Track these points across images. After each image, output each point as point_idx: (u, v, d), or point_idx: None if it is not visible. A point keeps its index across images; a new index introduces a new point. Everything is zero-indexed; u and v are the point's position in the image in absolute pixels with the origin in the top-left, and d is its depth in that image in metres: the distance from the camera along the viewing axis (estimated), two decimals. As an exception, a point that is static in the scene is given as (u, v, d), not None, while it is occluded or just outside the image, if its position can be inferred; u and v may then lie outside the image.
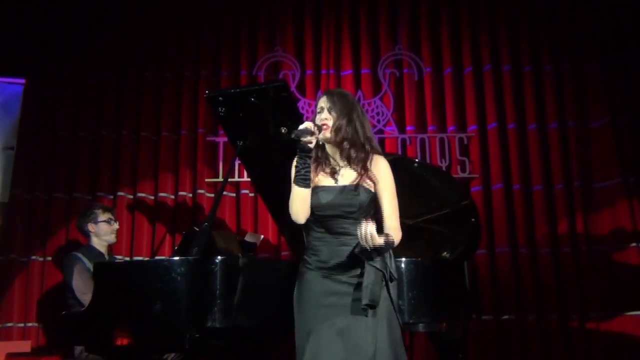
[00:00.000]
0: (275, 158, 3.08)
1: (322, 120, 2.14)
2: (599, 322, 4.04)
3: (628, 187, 4.18)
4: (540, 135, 4.38)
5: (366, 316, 1.99)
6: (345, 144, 2.12)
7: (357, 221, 2.02)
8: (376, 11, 4.69)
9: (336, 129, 2.12)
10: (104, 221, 3.39)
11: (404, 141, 4.49)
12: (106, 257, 3.43)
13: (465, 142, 4.45)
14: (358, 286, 2.02)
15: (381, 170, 2.14)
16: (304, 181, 2.07)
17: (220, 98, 2.87)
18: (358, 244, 1.97)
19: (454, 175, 4.28)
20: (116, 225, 3.47)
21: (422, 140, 4.47)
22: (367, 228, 1.85)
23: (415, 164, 3.37)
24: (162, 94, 4.59)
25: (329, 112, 2.14)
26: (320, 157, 2.19)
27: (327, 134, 2.12)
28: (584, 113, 4.41)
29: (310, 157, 2.08)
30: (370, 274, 2.00)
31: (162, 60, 4.66)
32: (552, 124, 4.39)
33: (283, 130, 2.85)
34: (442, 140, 4.46)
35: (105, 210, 3.46)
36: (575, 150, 4.34)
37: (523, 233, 4.22)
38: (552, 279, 4.13)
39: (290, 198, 2.11)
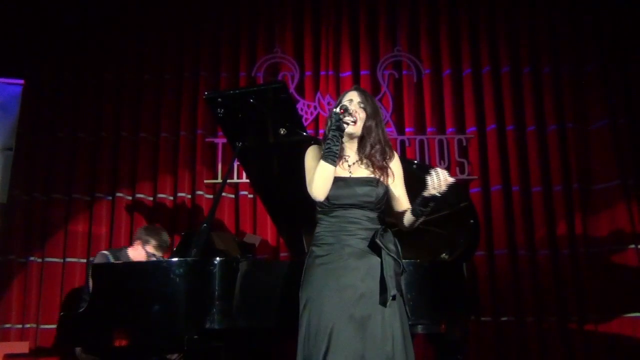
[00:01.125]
0: (274, 159, 3.09)
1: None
2: (598, 324, 4.04)
3: (627, 189, 4.19)
4: (539, 137, 4.39)
5: (385, 306, 1.97)
6: (377, 147, 2.15)
7: (370, 212, 2.10)
8: (375, 12, 4.70)
9: (367, 129, 2.16)
10: (146, 252, 3.30)
11: (402, 142, 4.50)
12: None
13: (464, 143, 4.46)
14: (373, 277, 2.01)
15: (398, 167, 2.21)
16: (333, 157, 2.06)
17: (220, 99, 2.86)
18: (376, 233, 2.05)
19: (453, 177, 4.27)
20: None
21: (421, 142, 4.48)
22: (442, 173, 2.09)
23: (414, 166, 3.36)
24: (162, 95, 4.60)
25: (359, 106, 2.16)
26: None
27: (354, 128, 2.13)
28: (583, 115, 4.42)
29: (342, 137, 2.09)
30: (390, 264, 2.01)
31: (161, 61, 4.66)
32: (551, 126, 4.40)
33: (282, 132, 2.85)
34: (441, 142, 4.47)
35: (160, 246, 3.32)
36: (574, 152, 4.34)
37: (522, 234, 4.22)
38: (551, 281, 4.14)
39: (314, 176, 2.08)
